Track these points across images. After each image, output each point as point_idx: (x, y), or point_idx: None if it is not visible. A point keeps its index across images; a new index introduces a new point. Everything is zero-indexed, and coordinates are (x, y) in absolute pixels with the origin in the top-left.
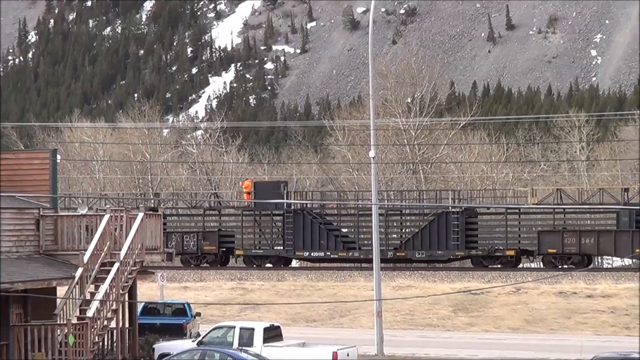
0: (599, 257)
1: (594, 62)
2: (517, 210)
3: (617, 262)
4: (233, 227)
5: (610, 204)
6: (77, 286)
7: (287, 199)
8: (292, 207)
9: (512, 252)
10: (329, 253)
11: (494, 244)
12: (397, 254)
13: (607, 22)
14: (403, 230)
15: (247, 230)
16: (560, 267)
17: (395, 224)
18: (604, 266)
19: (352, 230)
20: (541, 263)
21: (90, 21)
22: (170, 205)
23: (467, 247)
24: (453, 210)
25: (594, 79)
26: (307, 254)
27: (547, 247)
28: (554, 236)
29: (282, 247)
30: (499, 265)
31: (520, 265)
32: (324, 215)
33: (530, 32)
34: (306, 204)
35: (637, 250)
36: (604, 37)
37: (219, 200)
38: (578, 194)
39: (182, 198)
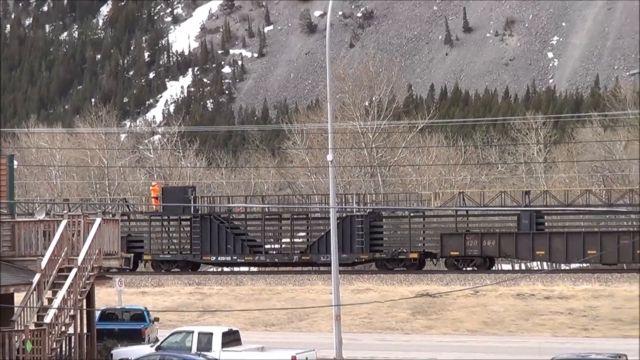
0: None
1: (550, 64)
2: (422, 214)
3: (575, 264)
4: (142, 232)
5: (511, 207)
6: (34, 292)
7: (194, 203)
8: (200, 212)
9: (415, 255)
10: (235, 257)
11: (397, 247)
12: (303, 257)
13: (563, 24)
14: (309, 234)
15: (155, 235)
16: (463, 269)
17: (301, 228)
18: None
19: (259, 234)
20: (444, 265)
21: (47, 26)
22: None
23: (371, 251)
24: (358, 213)
25: (550, 81)
26: (214, 258)
27: (449, 250)
28: (456, 239)
29: (189, 252)
30: (404, 268)
31: (426, 268)
32: (231, 220)
33: (488, 35)
34: (214, 208)
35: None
36: (561, 39)
37: (127, 204)
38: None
39: (92, 203)
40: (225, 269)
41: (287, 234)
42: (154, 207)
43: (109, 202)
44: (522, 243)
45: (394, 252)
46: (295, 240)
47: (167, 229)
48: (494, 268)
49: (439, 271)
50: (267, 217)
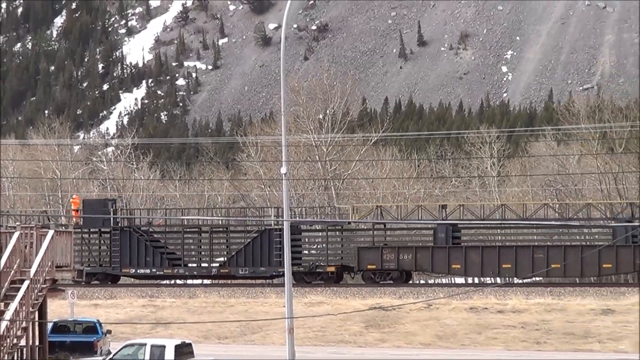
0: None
1: (504, 79)
2: (340, 227)
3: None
4: None
5: (428, 220)
6: None
7: (114, 215)
8: (120, 224)
9: (332, 269)
10: (154, 270)
11: (315, 260)
12: (222, 270)
13: (517, 38)
14: (228, 247)
15: (75, 248)
16: (379, 282)
17: (221, 241)
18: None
19: (178, 247)
20: (362, 279)
21: (0, 37)
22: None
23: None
24: (276, 227)
25: (504, 95)
26: (134, 270)
27: (366, 263)
28: (373, 252)
29: (109, 264)
30: (322, 282)
31: (343, 281)
32: (151, 233)
33: (442, 49)
34: (134, 220)
35: None
36: (515, 53)
37: (47, 216)
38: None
39: (13, 214)
40: (179, 281)
41: (206, 247)
42: (74, 219)
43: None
44: (438, 257)
45: (311, 265)
46: (215, 253)
47: (87, 242)
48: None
49: (392, 284)
50: (187, 230)
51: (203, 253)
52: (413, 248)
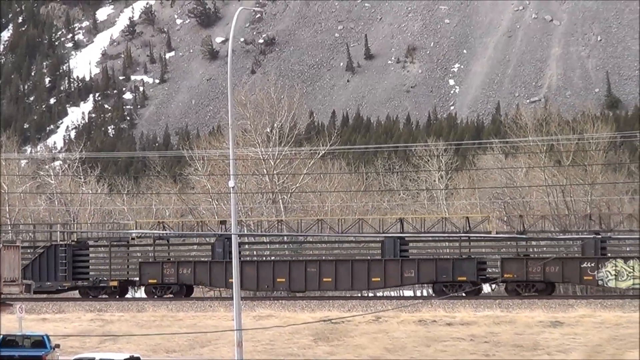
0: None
1: (452, 92)
2: (125, 243)
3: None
4: None
5: (206, 234)
6: None
7: None
8: None
9: (115, 283)
10: None
11: (99, 275)
12: None
13: (464, 51)
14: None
15: None
16: (160, 296)
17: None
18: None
19: None
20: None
21: None
22: None
23: (74, 278)
24: (62, 242)
25: (452, 107)
26: None
27: (148, 278)
28: (154, 267)
29: None
30: (106, 296)
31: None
32: None
33: (389, 62)
34: None
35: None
36: (462, 66)
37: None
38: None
39: None
40: (127, 295)
41: None
42: None
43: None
44: (216, 271)
45: (95, 279)
46: None
47: None
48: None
49: (341, 297)
50: None
51: None
52: (192, 262)
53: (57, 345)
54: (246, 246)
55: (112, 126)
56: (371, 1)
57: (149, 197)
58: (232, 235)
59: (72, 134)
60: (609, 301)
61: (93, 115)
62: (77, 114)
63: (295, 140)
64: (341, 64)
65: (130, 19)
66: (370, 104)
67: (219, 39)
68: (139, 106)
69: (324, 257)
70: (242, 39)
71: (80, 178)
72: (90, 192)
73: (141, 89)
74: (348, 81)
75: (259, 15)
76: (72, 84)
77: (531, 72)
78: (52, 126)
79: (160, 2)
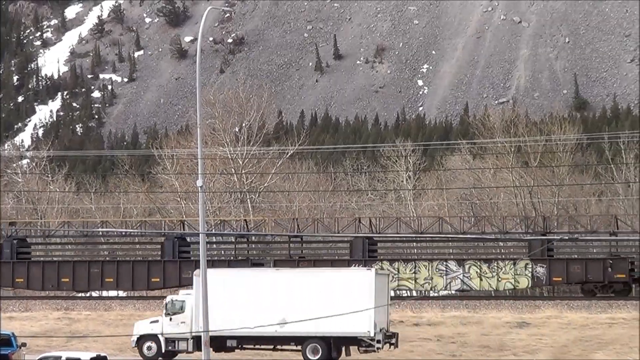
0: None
1: (420, 92)
2: None
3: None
4: None
5: None
6: None
7: None
8: None
9: None
10: None
11: None
12: None
13: (433, 52)
14: None
15: None
16: None
17: None
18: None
19: None
20: None
21: None
22: None
23: None
24: None
25: (420, 108)
26: None
27: None
28: None
29: None
30: None
31: None
32: None
33: (358, 62)
34: None
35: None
36: (431, 67)
37: None
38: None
39: None
40: (94, 293)
41: None
42: None
43: None
44: (4, 271)
45: None
46: None
47: None
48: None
49: None
50: None
51: None
52: None
53: (24, 344)
54: (39, 247)
55: (81, 125)
56: (340, 1)
57: (117, 196)
58: (200, 235)
59: (40, 132)
60: (576, 302)
61: (61, 113)
62: (45, 112)
63: (263, 139)
64: (310, 63)
65: (99, 17)
66: (338, 104)
67: (187, 38)
68: (107, 105)
69: (107, 258)
70: (211, 39)
71: (47, 176)
72: (58, 190)
73: (110, 87)
74: (317, 81)
75: (228, 14)
76: (40, 82)
77: (499, 74)
78: (20, 124)
79: (129, 1)
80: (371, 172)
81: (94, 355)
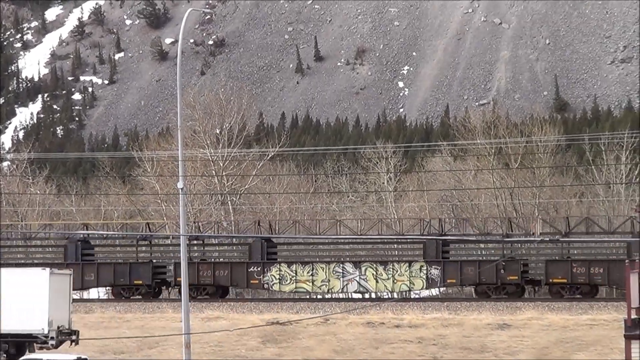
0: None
1: (401, 94)
2: None
3: (425, 292)
4: None
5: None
6: None
7: None
8: None
9: None
10: None
11: None
12: None
13: (414, 54)
14: None
15: None
16: None
17: None
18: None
19: None
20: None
21: None
22: None
23: None
24: None
25: (401, 110)
26: None
27: None
28: None
29: None
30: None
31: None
32: None
33: (339, 64)
34: None
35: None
36: (411, 69)
37: None
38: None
39: None
40: (75, 296)
41: None
42: None
43: None
44: None
45: None
46: None
47: None
48: (343, 296)
49: (290, 299)
50: None
51: None
52: None
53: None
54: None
55: (61, 127)
56: (321, 3)
57: (98, 198)
58: (181, 237)
59: (21, 134)
60: (557, 304)
61: (42, 115)
62: (25, 115)
63: (244, 141)
64: (291, 65)
65: (79, 19)
66: (319, 106)
67: (168, 40)
68: (88, 107)
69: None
70: (191, 40)
71: (28, 179)
72: (39, 192)
73: (90, 89)
74: (298, 83)
75: (208, 16)
76: (20, 85)
77: (480, 75)
78: (0, 126)
79: (110, 3)
80: (352, 174)
81: (74, 357)
